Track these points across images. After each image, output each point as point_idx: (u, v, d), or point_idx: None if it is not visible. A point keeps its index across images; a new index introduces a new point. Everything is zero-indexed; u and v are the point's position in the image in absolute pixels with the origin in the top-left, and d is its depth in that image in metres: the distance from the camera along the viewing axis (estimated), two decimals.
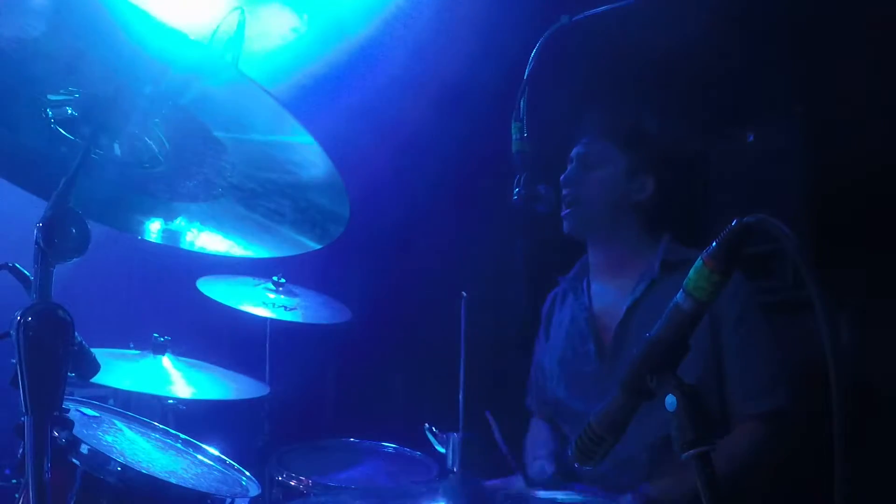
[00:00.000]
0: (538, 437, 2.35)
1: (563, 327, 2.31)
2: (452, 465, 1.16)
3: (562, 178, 2.20)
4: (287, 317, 2.65)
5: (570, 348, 2.25)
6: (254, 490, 1.84)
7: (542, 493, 1.67)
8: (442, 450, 1.19)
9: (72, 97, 1.14)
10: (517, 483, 1.99)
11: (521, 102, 1.74)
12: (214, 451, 1.97)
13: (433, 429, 1.21)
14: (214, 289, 2.59)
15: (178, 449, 1.94)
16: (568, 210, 2.19)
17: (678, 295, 1.10)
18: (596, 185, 2.18)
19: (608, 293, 2.23)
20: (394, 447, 2.44)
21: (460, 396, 1.15)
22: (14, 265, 1.11)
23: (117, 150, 1.24)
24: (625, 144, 2.20)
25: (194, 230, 1.44)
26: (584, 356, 2.19)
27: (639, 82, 2.94)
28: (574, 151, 2.24)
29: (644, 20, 2.14)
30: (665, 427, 1.05)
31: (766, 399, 1.98)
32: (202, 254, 1.45)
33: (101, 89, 1.12)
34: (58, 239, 1.05)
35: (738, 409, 2.00)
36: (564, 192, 2.19)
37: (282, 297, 2.72)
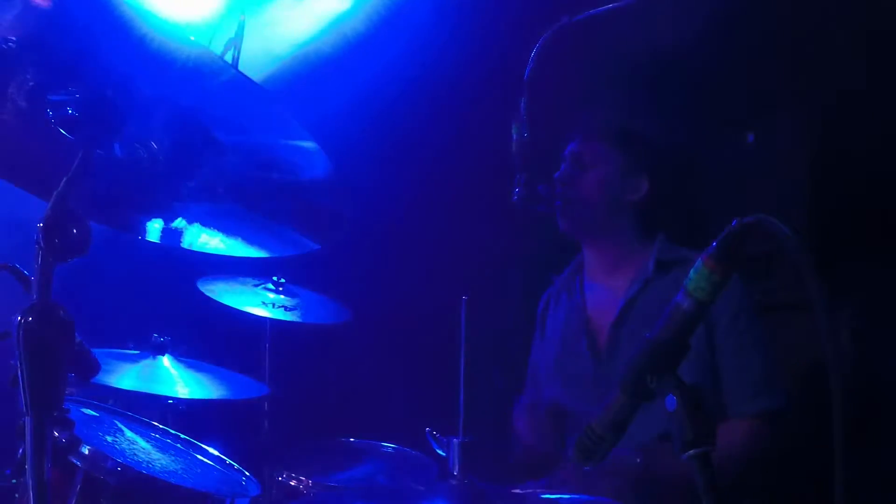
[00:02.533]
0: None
1: (557, 327, 2.31)
2: (453, 468, 1.16)
3: (555, 176, 2.20)
4: (287, 317, 2.65)
5: (564, 348, 2.25)
6: (254, 490, 1.84)
7: (545, 495, 1.67)
8: (443, 454, 1.20)
9: (72, 97, 1.14)
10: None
11: (521, 102, 1.74)
12: (214, 452, 1.97)
13: (434, 433, 1.21)
14: (214, 289, 2.59)
15: (178, 449, 1.94)
16: (561, 208, 2.19)
17: (678, 295, 1.10)
18: (589, 185, 2.18)
19: (602, 292, 2.23)
20: (394, 447, 2.44)
21: (460, 400, 1.15)
22: (14, 265, 1.11)
23: (117, 150, 1.24)
24: (619, 144, 2.20)
25: (194, 230, 1.44)
26: (578, 356, 2.19)
27: (638, 82, 2.94)
28: (568, 150, 2.24)
29: (644, 20, 2.14)
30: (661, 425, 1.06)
31: (760, 399, 1.98)
32: (202, 254, 1.45)
33: (101, 89, 1.12)
34: (58, 239, 1.05)
35: (732, 408, 2.00)
36: (558, 190, 2.18)
37: (282, 297, 2.72)
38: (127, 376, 2.14)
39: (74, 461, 1.58)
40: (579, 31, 1.75)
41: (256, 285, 2.74)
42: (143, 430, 1.96)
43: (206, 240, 1.45)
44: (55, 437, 1.41)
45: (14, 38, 1.04)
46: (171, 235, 1.46)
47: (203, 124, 1.17)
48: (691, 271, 1.08)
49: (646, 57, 2.76)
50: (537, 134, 1.75)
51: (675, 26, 2.49)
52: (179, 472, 1.78)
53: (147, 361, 2.24)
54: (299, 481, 2.13)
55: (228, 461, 1.95)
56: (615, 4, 1.70)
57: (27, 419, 1.01)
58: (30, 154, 1.31)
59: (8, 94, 1.17)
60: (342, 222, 1.29)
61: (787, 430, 1.98)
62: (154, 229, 1.46)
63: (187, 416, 2.50)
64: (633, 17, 1.77)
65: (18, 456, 1.33)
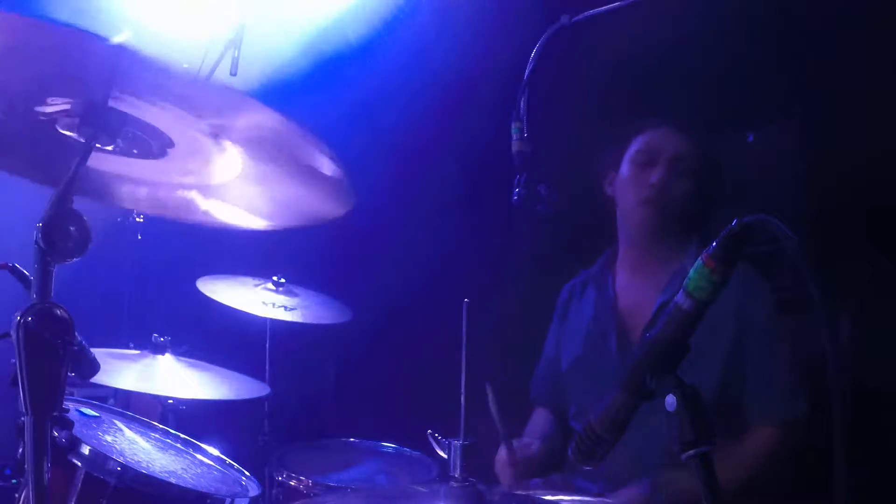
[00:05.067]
0: (536, 423, 2.34)
1: (582, 321, 2.28)
2: (454, 471, 1.16)
3: (653, 180, 2.13)
4: (287, 317, 2.65)
5: (590, 344, 2.22)
6: (254, 490, 1.84)
7: (546, 496, 1.67)
8: (444, 455, 1.20)
9: (72, 98, 1.14)
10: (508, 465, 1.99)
11: (521, 102, 1.74)
12: (214, 451, 1.97)
13: (435, 434, 1.21)
14: (214, 289, 2.59)
15: (178, 449, 1.94)
16: (656, 209, 2.15)
17: (678, 295, 1.10)
18: (683, 190, 2.15)
19: (636, 291, 2.20)
20: (394, 447, 2.44)
21: (461, 402, 1.15)
22: (14, 265, 1.11)
23: (118, 146, 1.24)
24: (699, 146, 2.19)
25: (204, 203, 1.42)
26: (605, 354, 2.16)
27: (639, 82, 2.94)
28: (661, 153, 2.17)
29: (644, 20, 2.14)
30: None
31: (785, 407, 1.97)
32: (202, 254, 1.45)
33: (100, 92, 1.12)
34: (58, 239, 1.05)
35: (755, 414, 1.99)
36: (653, 193, 2.13)
37: (282, 297, 2.72)
38: (127, 376, 2.14)
39: (74, 461, 1.58)
40: (579, 31, 1.74)
41: (256, 285, 2.74)
42: (143, 430, 1.96)
43: (212, 210, 1.44)
44: (55, 437, 1.42)
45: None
46: (181, 208, 1.44)
47: (203, 126, 1.17)
48: (691, 271, 1.08)
49: (646, 57, 2.76)
50: (537, 134, 1.74)
51: (675, 26, 2.49)
52: (179, 472, 1.78)
53: (147, 361, 2.24)
54: (299, 481, 2.12)
55: (228, 461, 1.95)
56: (615, 4, 1.69)
57: (27, 419, 1.01)
58: (30, 154, 1.31)
59: (10, 94, 1.17)
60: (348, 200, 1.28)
61: (804, 440, 1.97)
62: (160, 204, 1.44)
63: (187, 416, 2.51)
64: (633, 17, 1.76)
65: (18, 456, 1.33)
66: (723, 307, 1.08)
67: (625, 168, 2.22)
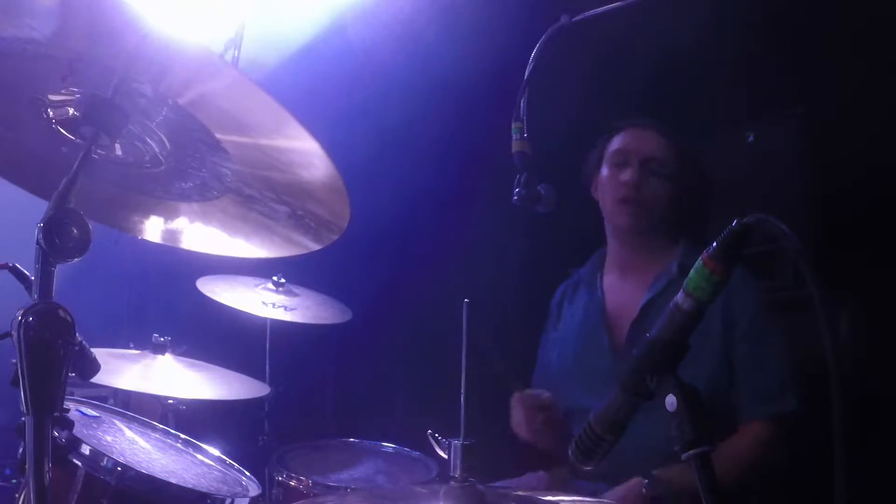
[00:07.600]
0: None
1: (574, 321, 2.30)
2: (454, 471, 1.16)
3: (624, 179, 2.16)
4: (287, 317, 2.65)
5: (582, 343, 2.24)
6: (254, 490, 1.84)
7: (547, 496, 1.67)
8: (444, 455, 1.20)
9: (72, 97, 1.14)
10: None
11: (521, 102, 1.74)
12: (214, 451, 1.97)
13: (436, 435, 1.21)
14: (214, 289, 2.60)
15: (178, 449, 1.94)
16: (630, 210, 2.18)
17: (678, 295, 1.10)
18: (660, 190, 2.17)
19: (623, 290, 2.23)
20: (394, 447, 2.44)
21: (461, 403, 1.15)
22: (14, 265, 1.11)
23: (118, 150, 1.24)
24: (678, 146, 2.21)
25: (194, 230, 1.44)
26: (597, 351, 2.18)
27: (639, 82, 2.94)
28: (637, 154, 2.20)
29: (644, 20, 2.14)
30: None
31: (775, 402, 1.98)
32: (202, 254, 1.45)
33: (101, 89, 1.12)
34: (58, 239, 1.05)
35: (746, 410, 2.00)
36: (630, 194, 2.16)
37: (282, 297, 2.72)
38: (127, 376, 2.14)
39: (75, 461, 1.58)
40: (579, 31, 1.74)
41: (256, 285, 2.74)
42: (143, 430, 1.96)
43: (206, 240, 1.45)
44: (55, 437, 1.41)
45: (29, 42, 1.04)
46: (171, 235, 1.46)
47: (202, 125, 1.17)
48: (691, 271, 1.08)
49: (647, 57, 2.76)
50: (537, 134, 1.74)
51: (675, 26, 2.49)
52: (179, 472, 1.78)
53: (147, 361, 2.24)
54: (299, 481, 2.13)
55: (228, 461, 1.95)
56: (615, 4, 1.69)
57: (27, 419, 1.01)
58: (30, 154, 1.31)
59: (11, 95, 1.17)
60: (341, 229, 1.28)
61: (798, 434, 1.98)
62: (153, 228, 1.46)
63: (187, 416, 2.51)
64: (633, 17, 1.77)
65: (18, 456, 1.33)
66: (711, 305, 1.09)
67: (604, 169, 2.24)
